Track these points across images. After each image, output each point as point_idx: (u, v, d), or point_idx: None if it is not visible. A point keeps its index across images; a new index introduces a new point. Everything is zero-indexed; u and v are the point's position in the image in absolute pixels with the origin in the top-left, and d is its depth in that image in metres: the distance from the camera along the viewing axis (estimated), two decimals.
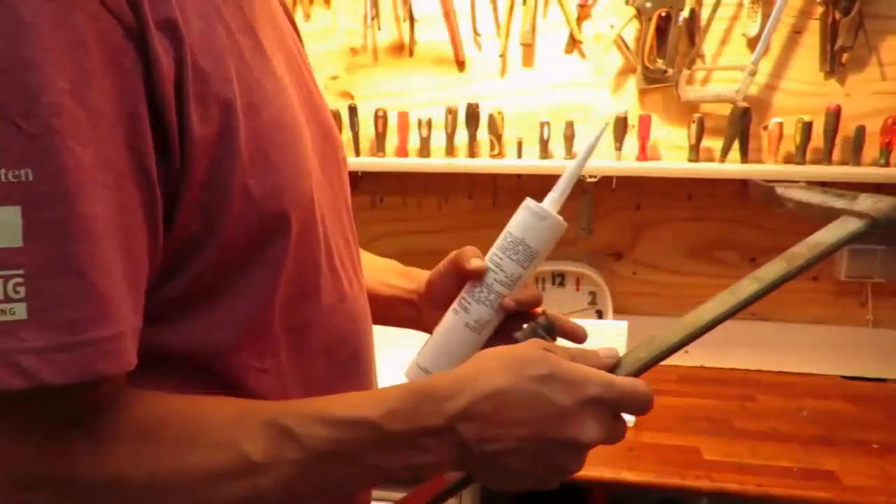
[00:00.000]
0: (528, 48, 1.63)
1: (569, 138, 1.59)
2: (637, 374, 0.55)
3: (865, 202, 0.60)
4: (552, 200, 0.66)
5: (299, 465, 0.46)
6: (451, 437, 0.47)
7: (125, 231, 0.42)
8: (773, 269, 0.63)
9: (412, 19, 1.63)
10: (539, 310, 0.65)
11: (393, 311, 0.75)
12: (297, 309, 0.54)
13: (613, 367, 0.54)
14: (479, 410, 0.47)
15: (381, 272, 0.79)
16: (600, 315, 1.72)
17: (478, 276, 0.64)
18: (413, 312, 0.74)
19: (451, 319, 0.65)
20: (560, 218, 0.65)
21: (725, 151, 1.55)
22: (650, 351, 0.56)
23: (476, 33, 1.64)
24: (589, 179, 1.59)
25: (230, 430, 0.46)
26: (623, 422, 0.51)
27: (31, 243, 0.38)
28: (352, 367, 0.61)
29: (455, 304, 0.66)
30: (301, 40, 0.71)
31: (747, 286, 0.65)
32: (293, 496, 0.46)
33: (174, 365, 0.49)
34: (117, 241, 0.41)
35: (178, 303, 0.48)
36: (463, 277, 0.66)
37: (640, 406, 0.51)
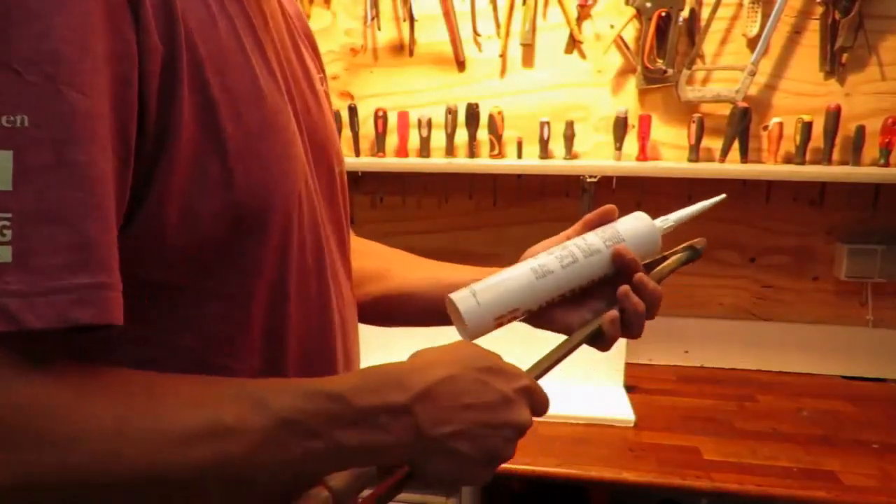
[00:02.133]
0: (528, 48, 1.63)
1: (569, 138, 1.59)
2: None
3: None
4: (664, 219, 0.71)
5: (266, 431, 0.46)
6: (409, 419, 0.49)
7: (106, 188, 0.42)
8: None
9: (412, 19, 1.63)
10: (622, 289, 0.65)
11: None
12: (277, 313, 0.55)
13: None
14: (434, 393, 0.50)
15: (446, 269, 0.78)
16: None
17: (604, 216, 0.68)
18: None
19: (519, 264, 0.66)
20: (659, 233, 0.70)
21: (725, 151, 1.55)
22: (539, 366, 0.62)
23: (476, 33, 1.64)
24: (589, 179, 1.59)
25: (204, 393, 0.46)
26: (528, 411, 0.56)
27: (21, 187, 0.38)
28: (319, 367, 0.61)
29: (535, 256, 0.66)
30: (318, 55, 0.72)
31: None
32: (257, 467, 0.46)
33: (144, 356, 0.49)
34: (101, 194, 0.41)
35: (151, 293, 0.48)
36: None
37: (544, 405, 0.58)
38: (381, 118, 1.64)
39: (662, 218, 0.70)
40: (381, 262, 0.79)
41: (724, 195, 0.72)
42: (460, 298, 0.63)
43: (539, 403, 0.57)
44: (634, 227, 0.68)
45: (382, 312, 0.76)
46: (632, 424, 1.38)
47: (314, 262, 0.58)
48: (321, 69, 0.72)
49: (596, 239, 0.66)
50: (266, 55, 0.54)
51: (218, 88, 0.47)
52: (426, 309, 0.72)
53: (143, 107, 0.43)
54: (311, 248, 0.57)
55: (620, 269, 0.65)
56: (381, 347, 1.04)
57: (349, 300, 0.66)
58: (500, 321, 0.64)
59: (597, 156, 1.65)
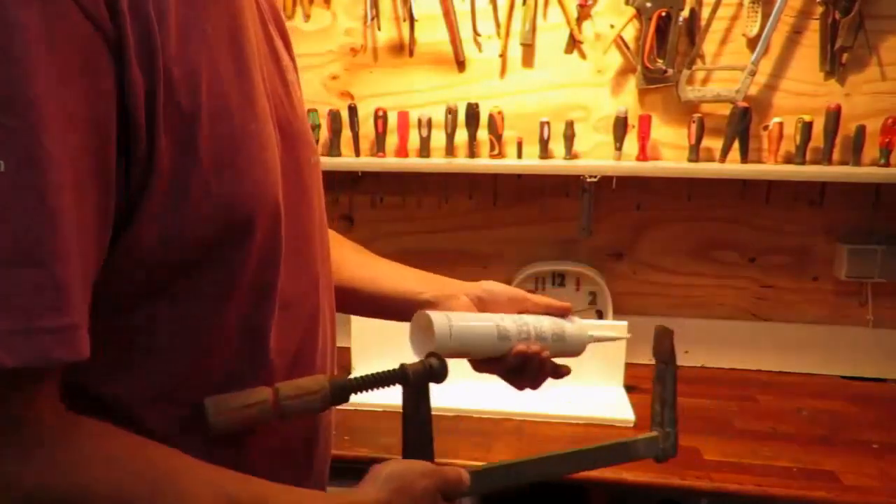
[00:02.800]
0: (528, 48, 1.63)
1: (569, 138, 1.59)
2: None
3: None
4: (598, 336, 0.83)
5: None
6: None
7: (82, 229, 0.43)
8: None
9: (412, 19, 1.63)
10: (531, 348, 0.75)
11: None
12: (259, 313, 0.57)
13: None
14: None
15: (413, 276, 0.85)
16: (600, 315, 1.72)
17: (562, 311, 0.81)
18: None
19: (487, 316, 0.75)
20: (584, 346, 0.82)
21: (725, 151, 1.55)
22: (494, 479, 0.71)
23: (476, 33, 1.64)
24: (589, 179, 1.59)
25: (205, 491, 0.50)
26: None
27: None
28: (301, 367, 0.64)
29: (498, 313, 0.77)
30: (287, 41, 0.72)
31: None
32: None
33: (122, 362, 0.52)
34: (76, 236, 0.43)
35: (132, 299, 0.51)
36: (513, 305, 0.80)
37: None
38: (381, 118, 1.64)
39: (598, 335, 0.83)
40: (335, 253, 0.83)
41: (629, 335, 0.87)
42: (439, 324, 0.69)
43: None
44: (576, 332, 0.80)
45: None
46: (632, 424, 1.38)
47: (293, 257, 0.60)
48: (292, 57, 0.72)
49: (548, 328, 0.77)
50: (246, 58, 0.54)
51: (188, 108, 0.48)
52: (364, 305, 0.82)
53: (132, 137, 0.45)
54: (290, 244, 0.59)
55: (525, 360, 0.75)
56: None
57: (326, 286, 0.69)
58: (450, 356, 0.70)
59: (597, 156, 1.65)
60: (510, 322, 0.74)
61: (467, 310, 0.78)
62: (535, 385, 0.78)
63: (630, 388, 1.54)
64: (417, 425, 0.66)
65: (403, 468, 0.63)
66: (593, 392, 1.51)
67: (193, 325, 0.53)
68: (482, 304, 0.80)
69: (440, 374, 0.65)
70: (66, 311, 0.42)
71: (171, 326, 0.53)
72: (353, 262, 0.84)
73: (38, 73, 0.40)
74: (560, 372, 0.79)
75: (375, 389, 0.64)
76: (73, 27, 0.41)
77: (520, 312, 0.79)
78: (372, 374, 0.64)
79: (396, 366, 0.66)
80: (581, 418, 1.39)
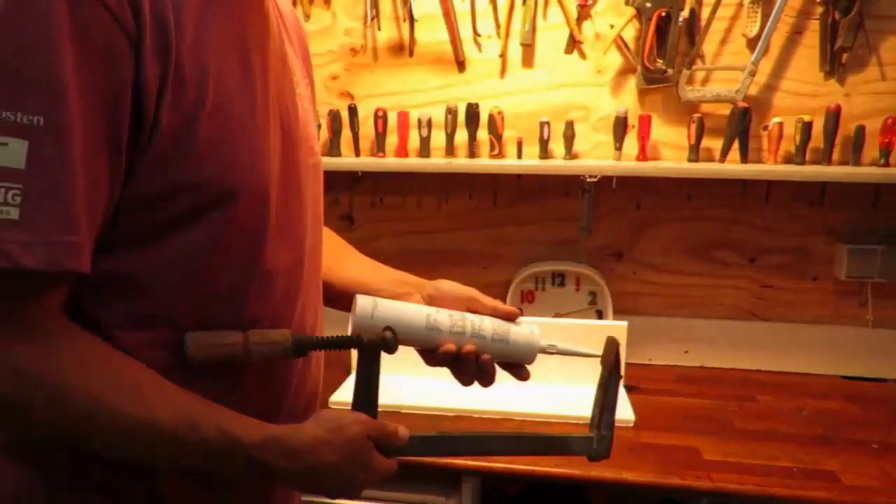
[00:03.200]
0: (528, 48, 1.63)
1: (569, 138, 1.59)
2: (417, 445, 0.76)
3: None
4: (550, 344, 0.83)
5: (186, 446, 0.63)
6: (288, 476, 0.69)
7: (95, 180, 0.57)
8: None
9: (412, 19, 1.63)
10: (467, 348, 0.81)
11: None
12: (235, 274, 0.67)
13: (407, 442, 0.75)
14: (314, 471, 0.69)
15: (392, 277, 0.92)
16: (600, 315, 1.72)
17: (509, 315, 0.84)
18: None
19: (422, 307, 0.81)
20: (537, 351, 0.83)
21: (725, 151, 1.55)
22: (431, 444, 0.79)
23: (476, 33, 1.64)
24: (589, 179, 1.59)
25: (156, 395, 0.62)
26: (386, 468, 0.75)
27: (31, 168, 0.53)
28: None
29: (437, 308, 0.82)
30: (308, 61, 0.87)
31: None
32: (168, 461, 0.65)
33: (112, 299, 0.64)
34: (89, 181, 0.56)
35: (131, 243, 0.63)
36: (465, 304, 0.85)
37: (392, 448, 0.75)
38: (381, 118, 1.64)
39: (550, 343, 0.83)
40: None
41: (598, 354, 0.86)
42: (361, 304, 0.77)
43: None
44: (523, 338, 0.82)
45: None
46: (632, 424, 1.38)
47: (279, 237, 0.71)
48: (308, 74, 0.87)
49: (489, 328, 0.80)
50: (252, 64, 0.67)
51: (194, 99, 0.60)
52: (333, 299, 0.90)
53: (142, 113, 0.58)
54: (277, 224, 0.70)
55: (455, 356, 0.80)
56: None
57: (312, 271, 0.80)
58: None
59: (597, 156, 1.65)
60: (445, 316, 0.79)
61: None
62: (483, 382, 0.83)
63: (630, 388, 1.54)
64: (366, 386, 0.75)
65: (341, 414, 0.73)
66: (593, 392, 1.51)
67: (180, 271, 0.64)
68: (432, 302, 0.86)
69: (392, 345, 0.74)
70: (75, 234, 0.56)
71: (161, 270, 0.64)
72: (329, 255, 0.92)
73: (67, 53, 0.53)
74: (522, 374, 0.84)
75: (332, 350, 0.74)
76: (100, 24, 0.54)
77: (468, 311, 0.83)
78: (332, 336, 0.73)
79: (394, 366, 0.73)
80: (581, 418, 1.38)
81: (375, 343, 0.74)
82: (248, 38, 0.67)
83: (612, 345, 0.82)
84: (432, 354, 0.81)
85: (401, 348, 0.79)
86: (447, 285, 0.88)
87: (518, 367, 0.84)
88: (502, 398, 1.44)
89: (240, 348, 0.67)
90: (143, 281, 0.64)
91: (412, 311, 0.79)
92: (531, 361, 0.83)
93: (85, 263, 0.57)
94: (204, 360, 0.65)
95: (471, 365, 0.80)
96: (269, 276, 0.70)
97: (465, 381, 0.83)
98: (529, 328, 0.83)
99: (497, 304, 0.85)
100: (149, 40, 0.56)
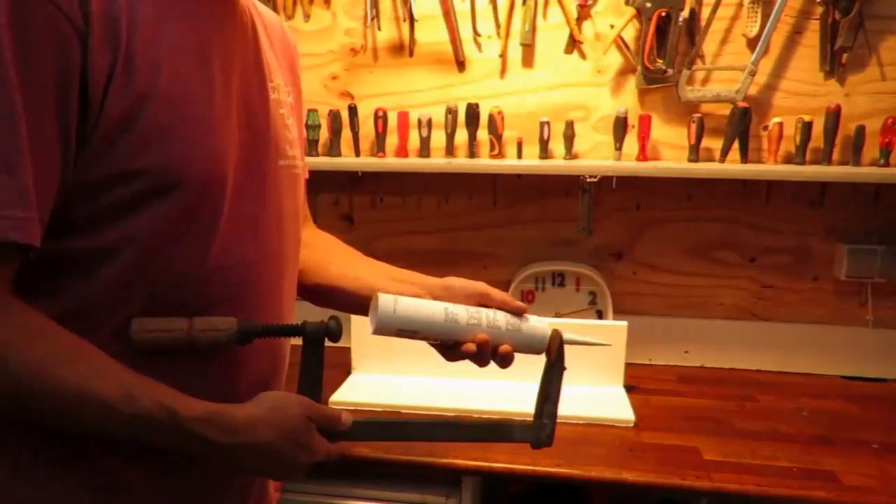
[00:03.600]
0: (528, 48, 1.63)
1: (569, 138, 1.59)
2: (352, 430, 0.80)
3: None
4: (570, 336, 0.87)
5: (123, 416, 0.65)
6: (228, 452, 0.71)
7: (44, 160, 0.61)
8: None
9: (412, 19, 1.63)
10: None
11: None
12: (180, 263, 0.70)
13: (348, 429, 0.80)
14: (250, 448, 0.72)
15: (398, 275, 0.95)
16: (600, 315, 1.72)
17: (517, 309, 0.87)
18: None
19: (438, 302, 0.83)
20: (546, 342, 0.86)
21: (725, 151, 1.55)
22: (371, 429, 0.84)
23: (476, 33, 1.64)
24: (589, 179, 1.59)
25: (96, 368, 0.65)
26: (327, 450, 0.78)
27: None
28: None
29: (453, 304, 0.84)
30: (293, 70, 0.92)
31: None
32: (107, 430, 0.67)
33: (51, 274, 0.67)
34: (38, 159, 0.60)
35: (80, 227, 0.66)
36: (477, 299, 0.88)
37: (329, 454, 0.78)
38: (381, 118, 1.64)
39: (569, 337, 0.87)
40: (324, 255, 0.99)
41: (610, 344, 0.90)
42: (384, 301, 0.78)
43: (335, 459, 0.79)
44: (536, 329, 0.86)
45: (321, 299, 0.97)
46: (632, 424, 1.38)
47: (237, 232, 0.74)
48: (294, 84, 0.92)
49: (502, 319, 0.84)
50: (212, 67, 0.71)
51: (149, 88, 0.64)
52: (351, 303, 0.93)
53: (90, 99, 0.62)
54: (235, 219, 0.73)
55: (482, 351, 0.83)
56: None
57: (278, 270, 0.82)
58: (401, 334, 0.80)
59: (597, 156, 1.65)
60: (461, 310, 0.82)
61: None
62: (502, 366, 0.86)
63: (630, 388, 1.54)
64: (309, 374, 0.78)
65: (283, 395, 0.77)
66: (593, 392, 1.51)
67: (129, 256, 0.67)
68: (442, 299, 0.87)
69: (335, 333, 0.77)
70: (24, 209, 0.60)
71: (110, 255, 0.67)
72: (340, 262, 0.97)
73: (6, 46, 0.57)
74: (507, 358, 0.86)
75: (276, 337, 0.76)
76: (46, 17, 0.59)
77: (480, 306, 0.86)
78: (275, 325, 0.76)
79: (394, 366, 0.75)
80: (581, 418, 1.39)
81: (319, 330, 0.76)
82: (210, 42, 0.71)
83: (555, 337, 0.85)
84: (452, 350, 0.84)
85: (396, 349, 0.80)
86: (457, 282, 0.90)
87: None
88: (502, 398, 1.44)
89: (183, 335, 0.69)
90: (93, 264, 0.67)
91: (431, 307, 0.82)
92: (542, 351, 0.86)
93: (34, 237, 0.61)
94: (147, 344, 0.68)
95: (488, 355, 0.83)
96: (219, 271, 0.73)
97: (484, 364, 0.85)
98: (540, 320, 0.87)
99: (506, 297, 0.87)
100: (97, 33, 0.61)
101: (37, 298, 0.65)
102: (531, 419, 0.86)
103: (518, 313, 0.86)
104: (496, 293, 0.88)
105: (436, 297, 0.88)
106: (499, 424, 0.91)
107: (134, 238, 0.67)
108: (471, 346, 0.82)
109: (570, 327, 1.57)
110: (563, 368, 0.85)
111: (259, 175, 0.78)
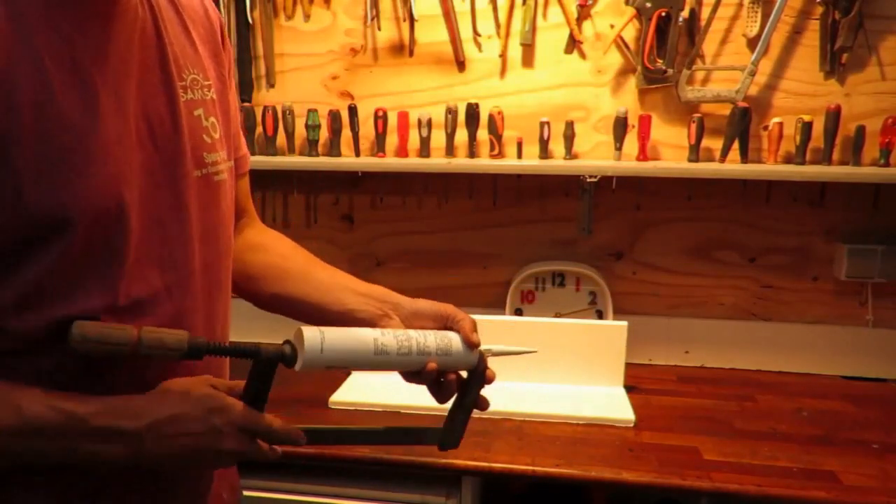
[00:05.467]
0: (528, 48, 1.63)
1: (569, 138, 1.59)
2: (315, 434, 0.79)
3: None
4: (486, 347, 0.85)
5: (14, 430, 0.61)
6: (137, 440, 0.66)
7: None
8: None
9: (412, 19, 1.63)
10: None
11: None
12: (85, 303, 0.65)
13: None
14: (159, 424, 0.67)
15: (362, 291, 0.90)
16: (600, 315, 1.72)
17: (472, 343, 0.82)
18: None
19: (368, 331, 0.80)
20: (477, 356, 0.84)
21: (725, 151, 1.55)
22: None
23: (476, 33, 1.64)
24: (589, 179, 1.59)
25: None
26: (258, 445, 0.72)
27: None
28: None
29: (385, 329, 0.82)
30: (218, 56, 0.82)
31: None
32: (8, 456, 0.63)
33: None
34: None
35: None
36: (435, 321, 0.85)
37: (268, 433, 0.72)
38: (381, 118, 1.64)
39: (486, 346, 0.84)
40: (279, 261, 0.93)
41: (534, 350, 0.90)
42: (310, 339, 0.73)
43: (263, 433, 0.72)
44: (464, 354, 0.83)
45: (276, 308, 0.92)
46: (632, 424, 1.38)
47: (152, 261, 0.70)
48: (219, 73, 0.83)
49: (433, 343, 0.81)
50: (95, 85, 0.63)
51: (8, 125, 0.57)
52: (308, 316, 0.88)
53: None
54: (148, 249, 0.69)
55: (425, 377, 0.80)
56: None
57: (206, 287, 0.78)
58: (330, 369, 0.76)
59: (597, 156, 1.65)
60: (391, 338, 0.79)
61: (397, 327, 0.84)
62: (438, 399, 0.84)
63: (630, 388, 1.54)
64: (253, 397, 0.72)
65: (184, 378, 0.72)
66: (593, 392, 1.51)
67: (36, 300, 0.62)
68: (409, 321, 0.86)
69: (291, 361, 0.73)
70: None
71: (18, 300, 0.62)
72: (298, 270, 0.92)
73: None
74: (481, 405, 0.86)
75: (227, 357, 0.73)
76: None
77: (446, 328, 0.84)
78: (229, 344, 0.71)
79: (391, 379, 0.73)
80: (581, 418, 1.39)
81: (273, 357, 0.72)
82: (87, 55, 0.63)
83: (483, 356, 0.84)
84: (407, 374, 0.83)
85: None
86: (424, 305, 0.87)
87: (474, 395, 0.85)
88: (502, 398, 1.44)
89: (128, 350, 0.65)
90: (5, 307, 0.62)
91: (360, 342, 0.78)
92: (471, 367, 0.84)
93: None
94: (84, 352, 0.63)
95: (428, 379, 0.81)
96: (133, 305, 0.68)
97: (439, 399, 0.84)
98: (484, 347, 0.86)
99: (467, 325, 0.83)
100: None
101: None
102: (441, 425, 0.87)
103: (471, 346, 0.82)
104: (460, 315, 0.85)
105: (403, 318, 0.85)
106: (411, 429, 0.92)
107: (32, 282, 0.62)
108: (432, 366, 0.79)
109: (570, 327, 1.58)
110: (482, 383, 0.85)
111: (169, 193, 0.71)
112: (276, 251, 0.95)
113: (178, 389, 0.69)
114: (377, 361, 0.78)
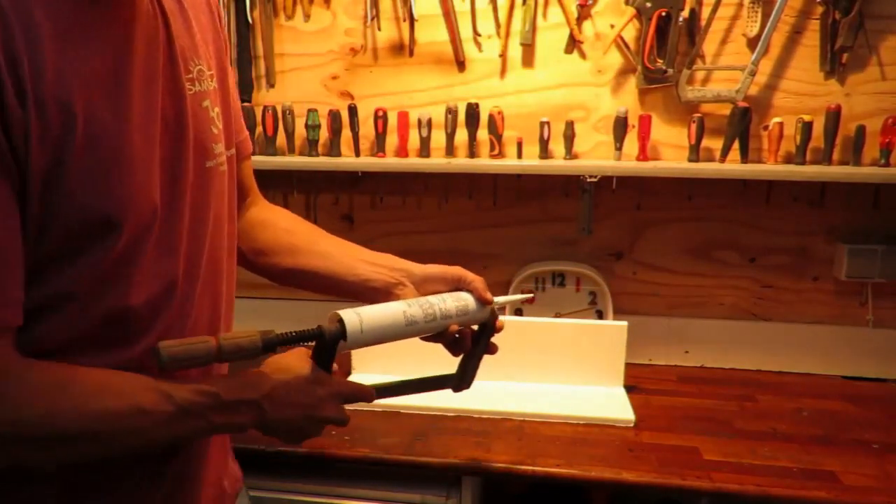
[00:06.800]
0: (528, 48, 1.63)
1: (569, 138, 1.59)
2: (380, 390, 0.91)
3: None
4: (495, 300, 0.94)
5: (170, 414, 0.69)
6: (258, 408, 0.75)
7: (7, 245, 0.59)
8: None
9: (412, 19, 1.63)
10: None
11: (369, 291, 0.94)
12: (114, 293, 0.68)
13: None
14: (275, 393, 0.76)
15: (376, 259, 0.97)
16: (600, 315, 1.72)
17: (485, 301, 0.92)
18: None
19: (395, 305, 0.86)
20: (488, 314, 0.94)
21: (725, 151, 1.55)
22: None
23: (476, 33, 1.64)
24: (589, 179, 1.59)
25: (127, 389, 0.67)
26: (345, 411, 0.83)
27: None
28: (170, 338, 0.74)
29: (409, 300, 0.88)
30: (217, 40, 0.83)
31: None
32: (161, 435, 0.70)
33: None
34: (8, 254, 0.59)
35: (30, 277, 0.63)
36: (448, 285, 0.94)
37: (356, 396, 0.84)
38: (381, 118, 1.64)
39: (495, 298, 0.94)
40: (289, 237, 0.97)
41: (531, 295, 1.05)
42: (350, 322, 0.80)
43: (351, 397, 0.83)
44: (478, 310, 0.92)
45: (291, 282, 0.97)
46: (632, 424, 1.38)
47: (161, 257, 0.72)
48: (218, 59, 0.83)
49: (453, 306, 0.89)
50: (131, 93, 0.65)
51: (65, 132, 0.60)
52: (324, 287, 0.94)
53: (15, 157, 0.58)
54: (160, 246, 0.71)
55: (448, 337, 0.92)
56: None
57: (213, 273, 0.81)
58: (367, 345, 0.84)
59: (597, 156, 1.65)
60: (417, 308, 0.86)
61: (412, 296, 0.90)
62: (453, 352, 0.95)
63: (630, 388, 1.54)
64: (326, 370, 0.82)
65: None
66: (593, 392, 1.51)
67: (69, 301, 0.66)
68: (421, 286, 0.92)
69: (345, 335, 0.81)
70: (4, 307, 0.60)
71: (56, 301, 0.65)
72: (306, 242, 0.96)
73: None
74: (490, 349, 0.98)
75: (296, 344, 0.78)
76: None
77: (457, 290, 0.93)
78: (294, 332, 0.78)
79: (399, 369, 0.83)
80: (581, 418, 1.39)
81: (335, 335, 0.80)
82: (124, 58, 0.65)
83: (494, 310, 0.94)
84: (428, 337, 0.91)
85: (396, 349, 0.89)
86: (434, 269, 0.92)
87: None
88: (502, 398, 1.44)
89: (212, 359, 0.72)
90: (33, 320, 0.65)
91: (392, 316, 0.85)
92: (485, 321, 0.94)
93: (13, 320, 0.62)
94: (177, 367, 0.70)
95: (449, 339, 0.91)
96: (161, 291, 0.72)
97: (455, 352, 0.94)
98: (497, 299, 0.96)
99: (478, 284, 0.92)
100: (7, 85, 0.56)
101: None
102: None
103: (483, 302, 0.92)
104: (471, 276, 0.92)
105: (415, 284, 0.91)
106: (434, 378, 1.01)
107: (75, 281, 0.65)
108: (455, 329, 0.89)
109: (570, 327, 1.58)
110: (493, 331, 0.94)
111: (183, 185, 0.74)
112: (281, 226, 0.98)
113: (283, 364, 0.79)
114: (408, 332, 0.85)
